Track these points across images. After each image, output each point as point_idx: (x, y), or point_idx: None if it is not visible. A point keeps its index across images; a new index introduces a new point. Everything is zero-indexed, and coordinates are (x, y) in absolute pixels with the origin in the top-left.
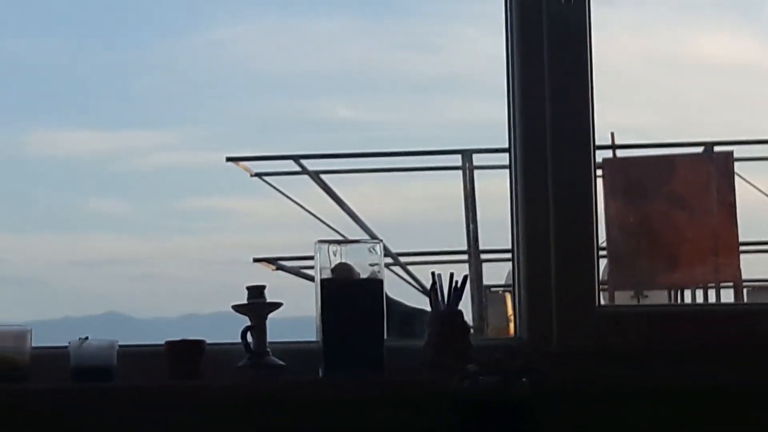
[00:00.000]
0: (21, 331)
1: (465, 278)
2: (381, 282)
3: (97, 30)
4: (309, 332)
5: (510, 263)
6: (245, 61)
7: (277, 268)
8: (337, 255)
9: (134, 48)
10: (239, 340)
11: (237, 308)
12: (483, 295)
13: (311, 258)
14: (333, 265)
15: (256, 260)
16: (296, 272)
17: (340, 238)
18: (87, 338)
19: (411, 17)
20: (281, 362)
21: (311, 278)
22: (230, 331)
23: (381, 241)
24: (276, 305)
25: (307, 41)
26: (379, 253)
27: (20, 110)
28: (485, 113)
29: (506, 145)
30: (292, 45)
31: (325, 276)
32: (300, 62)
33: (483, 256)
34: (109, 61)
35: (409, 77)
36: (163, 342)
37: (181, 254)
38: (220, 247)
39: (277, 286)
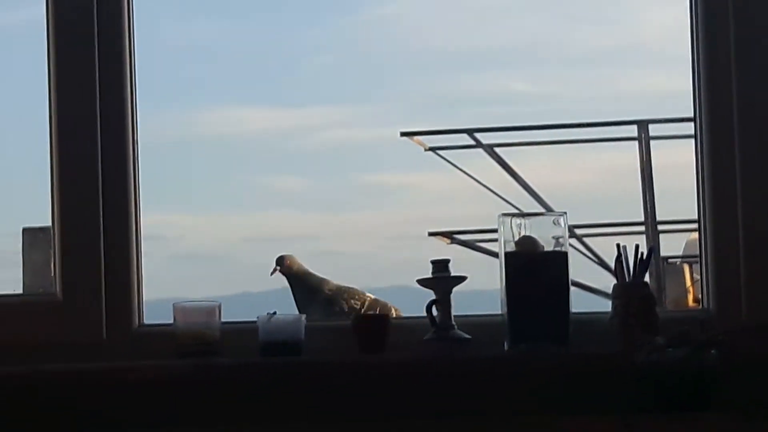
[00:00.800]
0: (211, 306)
1: (651, 250)
2: (565, 254)
3: (274, 9)
4: (482, 306)
5: (686, 234)
6: (418, 36)
7: (452, 242)
8: (521, 228)
9: (309, 26)
10: (418, 313)
11: (422, 282)
12: (661, 266)
13: (486, 231)
14: (517, 238)
15: (431, 234)
16: (471, 245)
17: (516, 211)
18: (275, 313)
19: None
20: (467, 335)
21: (486, 251)
22: (406, 304)
23: (565, 213)
24: (461, 279)
25: (479, 15)
26: (563, 225)
27: (200, 89)
28: (660, 84)
29: (684, 115)
30: (465, 19)
31: (509, 249)
32: (473, 36)
33: (660, 227)
34: (286, 40)
35: (582, 49)
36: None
37: (357, 229)
38: (394, 222)
39: (452, 259)
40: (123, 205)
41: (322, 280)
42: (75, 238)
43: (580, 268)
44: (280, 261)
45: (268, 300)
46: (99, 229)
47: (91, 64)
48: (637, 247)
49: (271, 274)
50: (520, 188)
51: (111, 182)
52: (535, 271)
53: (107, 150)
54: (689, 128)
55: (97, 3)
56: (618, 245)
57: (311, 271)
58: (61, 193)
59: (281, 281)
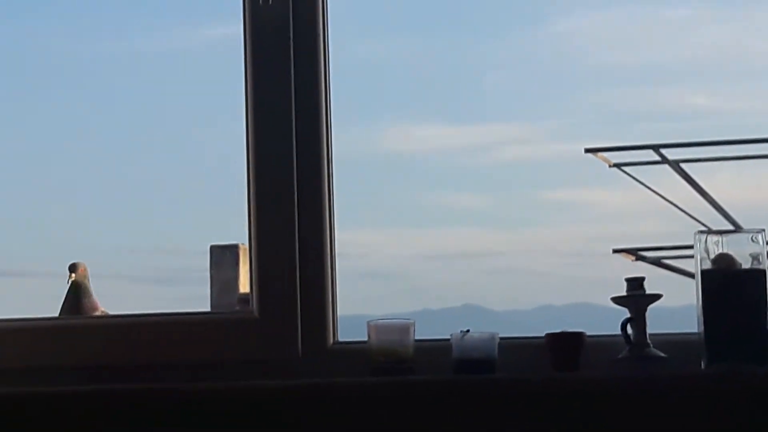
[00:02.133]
0: (405, 324)
1: None
2: (764, 272)
3: (451, 26)
4: (664, 324)
5: None
6: (599, 51)
7: (637, 259)
8: (717, 245)
9: (486, 42)
10: (599, 331)
11: (617, 300)
12: None
13: (672, 248)
14: (713, 256)
15: (615, 251)
16: (657, 263)
17: (704, 228)
18: (468, 331)
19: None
20: (662, 354)
21: (673, 268)
22: (585, 322)
23: (763, 230)
24: (656, 297)
25: (660, 29)
26: (761, 242)
27: (379, 106)
28: None
29: None
30: (646, 33)
31: (705, 267)
32: (654, 50)
33: None
34: (463, 56)
35: (764, 63)
36: (534, 334)
37: (538, 246)
38: (577, 239)
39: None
40: (318, 222)
41: (94, 302)
42: (271, 256)
43: None
44: (74, 267)
45: (448, 317)
46: (295, 247)
47: (286, 81)
48: None
49: (67, 281)
50: (707, 204)
51: (306, 200)
52: (732, 289)
53: (302, 168)
54: None
55: (293, 20)
56: None
57: (91, 290)
58: (257, 211)
59: (461, 299)
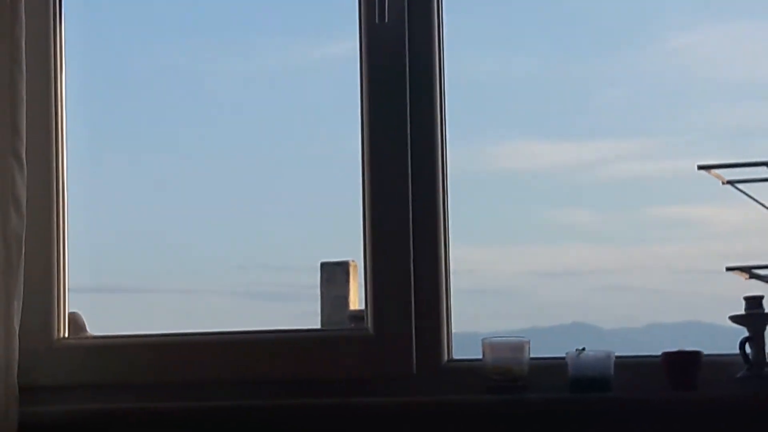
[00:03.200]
0: (519, 342)
1: None
2: None
3: (565, 42)
4: None
5: None
6: (713, 67)
7: (751, 277)
8: None
9: (600, 58)
10: (710, 350)
11: (735, 319)
12: None
13: None
14: None
15: (728, 269)
16: None
17: None
18: (584, 349)
19: None
20: None
21: None
22: (696, 341)
23: None
24: None
25: None
26: None
27: (492, 123)
28: None
29: None
30: (758, 49)
31: None
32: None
33: None
34: (576, 73)
35: None
36: (644, 353)
37: (648, 264)
38: (689, 256)
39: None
40: (433, 239)
41: None
42: (386, 272)
43: None
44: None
45: (557, 335)
46: (409, 264)
47: (402, 98)
48: None
49: None
50: None
51: (421, 217)
52: None
53: (417, 184)
54: None
55: (408, 38)
56: None
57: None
58: (372, 228)
59: (570, 317)
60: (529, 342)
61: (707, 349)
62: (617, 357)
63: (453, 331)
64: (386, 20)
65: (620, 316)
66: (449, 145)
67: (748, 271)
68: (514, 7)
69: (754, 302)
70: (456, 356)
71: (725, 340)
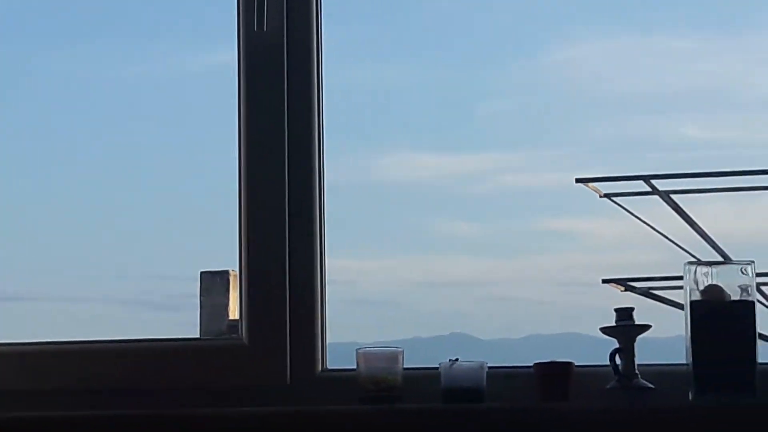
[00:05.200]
0: (393, 352)
1: None
2: (753, 304)
3: (448, 54)
4: (654, 355)
5: None
6: (594, 82)
7: (626, 289)
8: (707, 276)
9: (483, 71)
10: (588, 361)
11: (605, 330)
12: None
13: (662, 279)
14: (702, 287)
15: (605, 281)
16: (646, 293)
17: (693, 259)
18: (457, 359)
19: (763, 32)
20: (650, 385)
21: (662, 299)
22: (574, 352)
23: (752, 262)
24: (645, 327)
25: (655, 60)
26: (750, 274)
27: (375, 135)
28: None
29: None
30: (640, 64)
31: (694, 298)
32: (648, 81)
33: None
34: (460, 85)
35: (763, 94)
36: (522, 364)
37: (528, 276)
38: (567, 268)
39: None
40: (309, 250)
41: None
42: (261, 282)
43: (763, 320)
44: None
45: (438, 346)
46: (285, 274)
47: (280, 108)
48: None
49: None
50: (696, 236)
51: (297, 227)
52: (721, 321)
53: (294, 195)
54: None
55: (287, 47)
56: None
57: None
58: (248, 237)
59: (450, 327)
60: (402, 352)
61: (584, 360)
62: (491, 368)
63: (335, 341)
64: (265, 28)
65: (500, 327)
66: (333, 155)
67: (624, 283)
68: (399, 19)
69: (624, 314)
70: (338, 367)
71: (602, 351)
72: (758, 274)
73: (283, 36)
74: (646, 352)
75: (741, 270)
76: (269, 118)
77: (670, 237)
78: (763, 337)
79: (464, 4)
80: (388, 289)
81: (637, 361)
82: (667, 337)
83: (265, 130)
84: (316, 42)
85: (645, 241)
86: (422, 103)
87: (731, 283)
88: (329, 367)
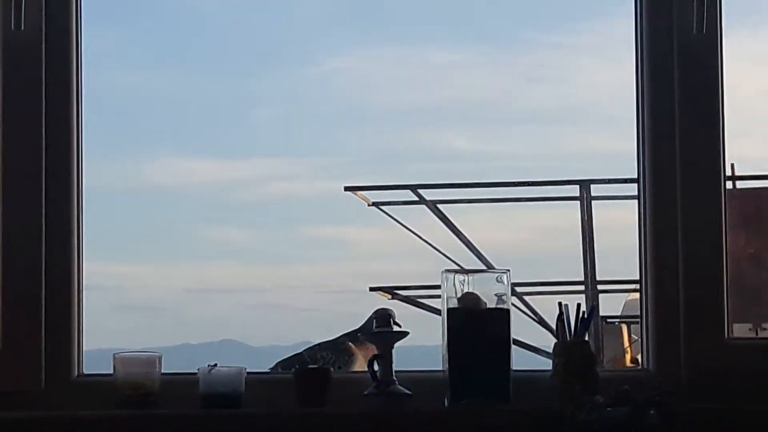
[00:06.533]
0: (151, 357)
1: (592, 309)
2: (507, 312)
3: (219, 62)
4: (420, 361)
5: (625, 294)
6: (365, 92)
7: (393, 297)
8: (464, 284)
9: (254, 80)
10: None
11: (365, 337)
12: (600, 326)
13: (427, 287)
14: (459, 295)
15: (372, 289)
16: (412, 301)
17: (458, 267)
18: (216, 365)
19: (530, 48)
20: (407, 391)
21: (427, 307)
22: None
23: (508, 270)
24: (403, 334)
25: (426, 72)
26: (506, 282)
27: (143, 140)
28: (603, 144)
29: (624, 176)
30: (412, 76)
31: (451, 305)
32: (418, 93)
33: (599, 287)
34: (229, 93)
35: (527, 108)
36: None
37: (298, 282)
38: (336, 276)
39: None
40: (66, 254)
41: None
42: (16, 286)
43: (520, 327)
44: None
45: (208, 352)
46: (40, 279)
47: (38, 108)
48: (578, 306)
49: None
50: (462, 245)
51: (54, 232)
52: (476, 328)
53: (51, 200)
54: (631, 189)
55: (45, 47)
56: (560, 303)
57: None
58: (3, 240)
59: (221, 333)
60: (160, 356)
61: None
62: (251, 373)
63: (103, 347)
64: (22, 28)
65: (270, 334)
66: (101, 159)
67: (391, 291)
68: (170, 24)
69: (383, 321)
70: (96, 372)
71: None
72: (521, 284)
73: (42, 36)
74: (411, 360)
75: (497, 278)
76: (26, 119)
77: (436, 246)
78: (519, 343)
79: (236, 12)
80: (158, 295)
81: (396, 368)
82: (434, 345)
83: (21, 132)
84: (76, 44)
85: (413, 249)
86: (191, 108)
87: (488, 291)
88: (87, 372)
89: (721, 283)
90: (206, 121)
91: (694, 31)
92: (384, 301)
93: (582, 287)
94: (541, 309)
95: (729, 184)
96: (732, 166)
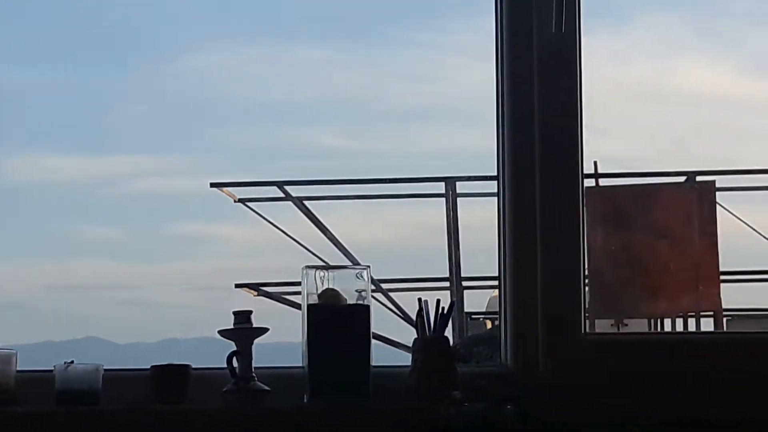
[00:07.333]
0: (6, 354)
1: (452, 305)
2: (368, 308)
3: (82, 56)
4: (287, 358)
5: (490, 291)
6: (230, 88)
7: (259, 294)
8: (324, 280)
9: (118, 74)
10: (223, 364)
11: (223, 333)
12: (464, 322)
13: (293, 284)
14: (320, 291)
15: (238, 286)
16: (278, 298)
17: (323, 264)
18: (72, 362)
19: (396, 46)
20: (266, 387)
21: (293, 304)
22: (210, 356)
23: (368, 266)
24: (262, 330)
25: (293, 69)
26: (366, 279)
27: (4, 136)
28: (469, 141)
29: (491, 173)
30: (278, 72)
31: (311, 301)
32: (285, 90)
33: (464, 284)
34: (93, 88)
35: (393, 105)
36: (147, 366)
37: (163, 279)
38: (202, 273)
39: (258, 312)
40: None
41: None
42: None
43: (386, 323)
44: None
45: (71, 349)
46: None
47: None
48: (438, 301)
49: None
50: (328, 242)
51: None
52: (336, 324)
53: None
54: (494, 186)
55: None
56: (419, 299)
57: None
58: None
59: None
60: (16, 354)
61: (220, 363)
62: (107, 370)
63: None
64: None
65: (135, 330)
66: None
67: (257, 288)
68: (31, 18)
69: (242, 317)
70: None
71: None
72: (386, 280)
73: None
74: (276, 357)
75: (357, 275)
76: None
77: (302, 242)
78: (384, 339)
79: (100, 6)
80: (19, 292)
81: (258, 364)
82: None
83: None
84: None
85: (279, 246)
86: (54, 105)
87: (349, 287)
88: None
89: (578, 280)
90: (70, 117)
91: (554, 30)
92: (250, 298)
93: (448, 284)
94: (406, 306)
95: (592, 182)
96: (595, 163)
